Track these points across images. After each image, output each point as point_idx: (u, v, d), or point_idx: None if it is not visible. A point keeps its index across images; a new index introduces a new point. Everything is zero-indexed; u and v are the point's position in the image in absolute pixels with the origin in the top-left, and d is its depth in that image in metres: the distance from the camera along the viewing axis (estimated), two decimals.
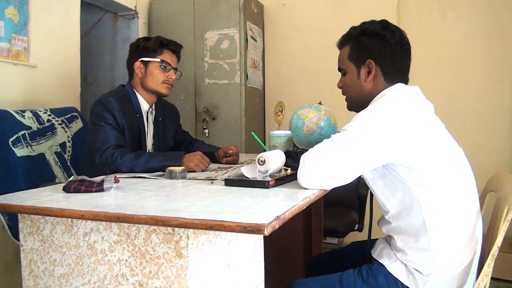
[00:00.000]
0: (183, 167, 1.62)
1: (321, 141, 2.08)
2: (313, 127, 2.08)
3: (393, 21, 3.65)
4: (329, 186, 1.36)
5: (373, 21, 1.54)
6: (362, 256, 1.67)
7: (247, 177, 1.40)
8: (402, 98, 1.42)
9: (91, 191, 1.30)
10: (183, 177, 1.60)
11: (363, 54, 1.52)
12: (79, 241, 1.13)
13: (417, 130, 1.36)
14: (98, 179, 1.38)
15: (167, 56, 2.03)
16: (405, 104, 1.39)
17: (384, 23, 1.52)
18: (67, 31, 2.81)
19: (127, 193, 1.30)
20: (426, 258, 1.37)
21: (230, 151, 2.04)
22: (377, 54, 1.49)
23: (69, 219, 1.13)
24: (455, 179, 1.41)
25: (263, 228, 0.88)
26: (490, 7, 3.47)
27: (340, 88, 1.66)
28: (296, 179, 1.41)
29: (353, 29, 1.56)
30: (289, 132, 1.87)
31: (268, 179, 1.37)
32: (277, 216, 0.95)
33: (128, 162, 1.75)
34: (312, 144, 2.09)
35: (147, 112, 2.07)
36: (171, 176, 1.59)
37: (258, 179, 1.38)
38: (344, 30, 1.60)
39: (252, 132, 1.68)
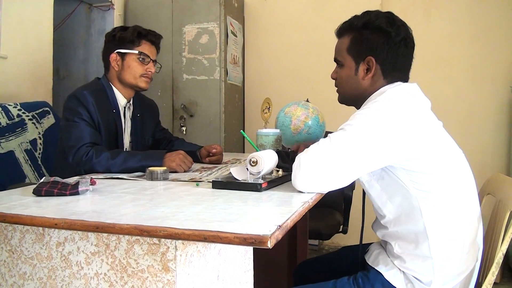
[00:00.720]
0: (164, 168, 1.50)
1: (309, 140, 2.02)
2: (301, 125, 1.99)
3: None
4: (327, 189, 1.27)
5: (378, 13, 1.44)
6: (354, 261, 1.59)
7: (236, 179, 1.30)
8: (403, 97, 1.34)
9: (65, 195, 1.17)
10: (165, 178, 1.48)
11: (364, 49, 1.42)
12: (51, 252, 1.00)
13: (419, 131, 1.29)
14: (72, 180, 1.25)
15: (146, 47, 1.90)
16: (407, 103, 1.32)
17: (390, 17, 1.42)
18: (40, 21, 2.65)
19: (105, 197, 1.18)
20: (426, 266, 1.30)
21: (214, 150, 1.92)
22: (379, 52, 1.40)
23: (41, 227, 1.00)
24: (457, 182, 1.34)
25: (266, 240, 0.78)
26: (474, 5, 3.45)
27: (333, 79, 1.57)
28: (288, 181, 1.31)
29: (356, 18, 1.46)
30: (277, 130, 1.77)
31: (260, 181, 1.27)
32: (279, 226, 0.85)
33: (104, 162, 1.62)
34: (300, 143, 2.01)
35: (124, 108, 1.94)
36: (152, 177, 1.47)
37: (250, 181, 1.27)
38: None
39: (241, 130, 1.58)
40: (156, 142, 2.10)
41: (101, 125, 1.78)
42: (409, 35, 1.43)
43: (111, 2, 3.40)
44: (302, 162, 1.25)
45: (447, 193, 1.31)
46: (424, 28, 3.58)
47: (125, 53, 1.86)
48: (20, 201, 1.11)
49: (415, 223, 1.31)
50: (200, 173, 1.64)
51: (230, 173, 1.32)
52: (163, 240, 0.90)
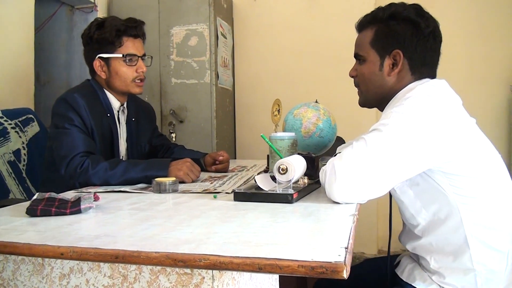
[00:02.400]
0: (173, 178, 1.32)
1: (321, 144, 1.87)
2: (312, 128, 1.84)
3: None
4: (367, 199, 1.12)
5: (404, 4, 1.31)
6: (382, 276, 1.44)
7: (262, 190, 1.13)
8: (438, 94, 1.22)
9: (65, 214, 0.99)
10: (175, 190, 1.30)
11: (391, 42, 1.29)
12: (53, 286, 0.81)
13: (457, 129, 1.17)
14: (70, 196, 1.06)
15: (129, 45, 1.67)
16: (443, 101, 1.20)
17: (418, 8, 1.29)
18: (20, 24, 2.45)
19: (113, 216, 0.99)
20: (468, 280, 1.17)
21: (221, 158, 1.75)
22: (407, 45, 1.27)
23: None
24: (498, 185, 1.22)
25: (341, 269, 0.61)
26: (471, 4, 3.38)
27: (353, 77, 1.43)
28: (315, 189, 1.15)
29: (380, 10, 1.32)
30: (293, 134, 1.61)
31: (291, 191, 1.10)
32: (346, 248, 0.69)
33: (102, 173, 1.43)
34: (311, 147, 1.85)
35: (118, 112, 1.75)
36: (160, 189, 1.29)
37: (279, 192, 1.11)
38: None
39: (261, 134, 1.41)
40: (153, 149, 1.91)
41: (95, 131, 1.59)
42: (438, 28, 1.31)
43: (94, 3, 3.20)
44: (338, 170, 1.09)
45: (489, 197, 1.18)
46: None
47: (108, 58, 1.66)
48: (11, 223, 0.92)
49: (454, 232, 1.18)
50: (210, 183, 1.46)
51: (246, 182, 1.15)
52: (196, 269, 0.73)
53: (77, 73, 3.29)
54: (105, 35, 1.62)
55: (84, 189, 1.36)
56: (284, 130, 1.86)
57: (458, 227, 1.17)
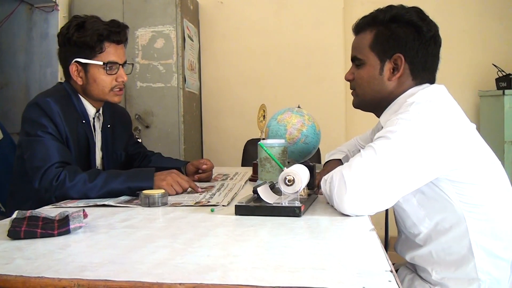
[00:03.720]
0: (162, 190, 1.22)
1: (306, 150, 1.81)
2: (297, 134, 1.78)
3: (338, 24, 3.58)
4: (377, 210, 1.07)
5: (405, 7, 1.28)
6: None
7: (266, 203, 1.05)
8: (441, 100, 1.20)
9: (53, 235, 0.87)
10: (164, 203, 1.20)
11: (392, 45, 1.25)
12: None
13: (463, 136, 1.15)
14: (54, 214, 0.95)
15: (111, 51, 1.53)
16: (448, 106, 1.18)
17: (420, 11, 1.26)
18: None
19: (108, 236, 0.88)
20: None
21: (204, 166, 1.64)
22: (408, 49, 1.23)
23: None
24: (501, 193, 1.20)
25: None
26: (438, 9, 3.42)
27: (349, 81, 1.37)
28: (314, 200, 1.08)
29: (380, 12, 1.28)
30: (282, 141, 1.54)
31: (298, 204, 1.03)
32: (391, 271, 0.62)
33: (81, 185, 1.30)
34: (295, 154, 1.79)
35: (94, 118, 1.61)
36: (149, 202, 1.18)
37: (284, 204, 1.03)
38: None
39: (259, 142, 1.33)
40: (129, 158, 1.78)
41: (70, 139, 1.45)
42: (438, 32, 1.29)
43: (55, 2, 3.01)
44: (348, 180, 1.03)
45: (494, 205, 1.16)
46: None
47: (87, 63, 1.52)
48: None
49: (459, 241, 1.15)
50: (200, 194, 1.36)
51: (237, 194, 1.07)
52: None
53: (36, 75, 3.08)
54: (85, 38, 1.48)
55: (62, 203, 1.23)
56: (267, 137, 1.79)
57: (463, 236, 1.14)
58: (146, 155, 1.83)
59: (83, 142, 1.52)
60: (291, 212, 1.02)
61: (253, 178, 1.66)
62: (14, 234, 0.85)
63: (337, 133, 3.49)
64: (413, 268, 1.31)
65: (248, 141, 3.04)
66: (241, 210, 1.05)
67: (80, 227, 0.90)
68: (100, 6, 3.22)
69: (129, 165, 1.78)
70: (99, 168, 1.62)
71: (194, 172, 1.67)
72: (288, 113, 1.84)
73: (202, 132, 3.79)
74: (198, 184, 1.58)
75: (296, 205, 1.03)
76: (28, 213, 0.94)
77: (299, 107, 1.94)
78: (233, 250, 0.76)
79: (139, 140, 3.18)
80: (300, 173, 1.03)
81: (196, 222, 0.99)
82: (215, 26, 3.73)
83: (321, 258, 0.71)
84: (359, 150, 1.65)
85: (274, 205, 1.04)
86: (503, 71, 2.98)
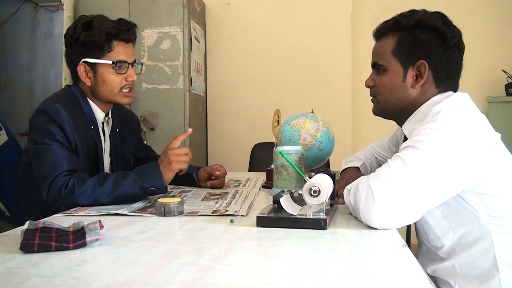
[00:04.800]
0: (178, 199, 1.17)
1: (320, 157, 1.76)
2: (311, 140, 1.74)
3: (346, 27, 3.54)
4: (406, 223, 1.03)
5: (426, 11, 1.23)
6: None
7: (289, 214, 1.00)
8: (468, 109, 1.16)
9: (68, 248, 0.82)
10: (181, 213, 1.15)
11: (415, 52, 1.20)
12: None
13: (491, 146, 1.10)
14: (67, 224, 0.89)
15: (120, 50, 1.48)
16: (475, 116, 1.14)
17: (444, 17, 1.22)
18: None
19: (127, 250, 0.83)
20: None
21: (218, 173, 1.59)
22: (432, 55, 1.19)
23: None
24: None
25: None
26: (448, 13, 3.39)
27: (369, 87, 1.33)
28: (335, 210, 1.02)
29: (403, 16, 1.23)
30: (299, 147, 1.49)
31: (323, 216, 0.98)
32: None
33: (90, 191, 1.25)
34: (309, 161, 1.75)
35: (103, 123, 1.56)
36: (165, 211, 1.13)
37: (309, 216, 0.98)
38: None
39: (280, 150, 1.28)
40: (138, 163, 1.73)
41: (79, 147, 1.39)
42: (461, 38, 1.24)
43: (60, 2, 2.96)
44: (376, 192, 0.98)
45: None
46: None
47: (95, 63, 1.47)
48: (4, 264, 0.74)
49: (483, 255, 1.11)
50: (215, 202, 1.31)
51: (253, 202, 1.02)
52: None
53: (40, 76, 3.03)
54: (93, 37, 1.43)
55: (73, 211, 1.18)
56: (280, 142, 1.74)
57: (489, 250, 1.10)
58: (156, 159, 1.77)
59: (92, 149, 1.47)
60: (316, 224, 0.97)
61: (267, 185, 1.61)
62: (27, 247, 0.80)
63: (344, 137, 3.44)
64: (434, 281, 1.26)
65: (255, 145, 2.99)
66: (263, 222, 1.00)
67: (97, 239, 0.85)
68: (106, 6, 3.17)
69: None
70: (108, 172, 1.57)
71: (207, 178, 1.61)
72: (302, 118, 1.80)
73: (208, 135, 3.75)
74: (211, 191, 1.54)
75: (322, 217, 0.98)
76: (41, 223, 0.88)
77: (312, 112, 1.89)
78: (264, 269, 0.71)
79: (144, 142, 3.16)
80: (325, 184, 0.99)
81: (217, 235, 0.94)
82: (221, 27, 3.68)
83: (361, 280, 0.66)
84: (376, 158, 1.62)
85: (298, 217, 0.99)
86: None
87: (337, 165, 2.03)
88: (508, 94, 2.92)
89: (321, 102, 3.46)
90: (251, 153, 2.94)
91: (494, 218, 1.09)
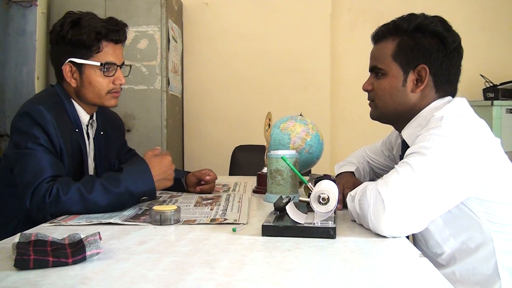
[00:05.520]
0: (175, 207, 1.11)
1: (309, 161, 1.73)
2: (301, 144, 1.71)
3: (325, 30, 3.53)
4: (415, 231, 1.01)
5: (426, 15, 1.22)
6: None
7: (295, 223, 0.96)
8: (470, 114, 1.16)
9: (67, 264, 0.75)
10: (177, 221, 1.09)
11: (416, 56, 1.19)
12: None
13: (493, 153, 1.10)
14: (61, 237, 0.83)
15: (109, 51, 1.40)
16: (477, 122, 1.14)
17: (444, 21, 1.22)
18: None
19: (131, 264, 0.77)
20: None
21: (207, 177, 1.53)
22: (433, 60, 1.19)
23: None
24: None
25: None
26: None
27: (367, 91, 1.31)
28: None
29: (403, 20, 1.22)
30: (293, 151, 1.46)
31: (332, 224, 0.95)
32: None
33: (77, 198, 1.17)
34: (298, 165, 1.72)
35: (87, 126, 1.48)
36: (161, 220, 1.07)
37: (317, 225, 0.95)
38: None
39: (282, 156, 1.24)
40: None
41: (64, 151, 1.31)
42: (461, 43, 1.24)
43: None
44: (386, 199, 0.96)
45: None
46: None
47: (82, 64, 1.39)
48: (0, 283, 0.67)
49: (485, 261, 1.11)
50: (210, 209, 1.26)
51: (244, 208, 0.98)
52: None
53: (11, 74, 2.88)
54: (81, 37, 1.34)
55: (62, 220, 1.10)
56: (269, 146, 1.70)
57: (490, 257, 1.10)
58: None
59: (76, 153, 1.39)
60: (325, 233, 0.94)
61: (258, 190, 1.57)
62: (22, 263, 0.73)
63: None
64: None
65: (236, 147, 2.94)
66: (268, 231, 0.96)
67: (98, 253, 0.79)
68: (81, 3, 3.04)
69: None
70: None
71: (196, 183, 1.56)
72: (292, 122, 1.76)
73: (184, 137, 3.67)
74: (202, 196, 1.49)
75: (330, 225, 0.94)
76: (33, 236, 0.81)
77: (301, 115, 1.87)
78: (285, 283, 0.67)
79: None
80: (334, 191, 0.95)
81: (223, 245, 0.89)
82: (199, 28, 3.62)
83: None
84: (368, 162, 1.60)
85: (305, 225, 0.95)
86: (490, 82, 3.01)
87: (315, 169, 2.01)
88: (486, 98, 2.99)
89: (299, 104, 3.43)
90: (231, 156, 2.89)
91: (496, 225, 1.09)
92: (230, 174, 2.79)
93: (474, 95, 3.15)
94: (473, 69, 3.17)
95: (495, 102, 2.82)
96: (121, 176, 1.24)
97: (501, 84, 3.00)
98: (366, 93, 1.32)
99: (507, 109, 2.80)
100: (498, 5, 3.46)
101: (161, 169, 1.30)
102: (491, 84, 3.00)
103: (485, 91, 3.01)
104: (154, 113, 3.12)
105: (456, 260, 1.14)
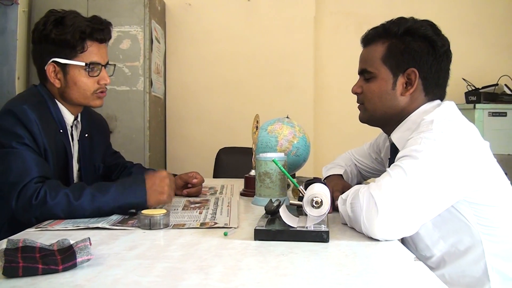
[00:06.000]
0: (164, 211, 1.09)
1: (296, 163, 1.73)
2: (289, 146, 1.71)
3: (309, 32, 3.54)
4: (406, 235, 1.01)
5: (415, 19, 1.24)
6: None
7: (288, 226, 0.96)
8: (459, 118, 1.17)
9: (57, 271, 0.73)
10: (166, 225, 1.08)
11: (406, 59, 1.20)
12: None
13: (482, 157, 1.12)
14: (49, 243, 0.80)
15: (94, 51, 1.38)
16: (467, 126, 1.15)
17: (433, 25, 1.23)
18: None
19: (123, 271, 0.76)
20: None
21: (195, 180, 1.51)
22: (423, 64, 1.20)
23: None
24: None
25: None
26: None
27: (356, 94, 1.31)
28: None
29: (393, 23, 1.22)
30: (282, 154, 1.45)
31: (324, 228, 0.94)
32: None
33: (65, 204, 1.14)
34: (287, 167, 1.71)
35: (72, 127, 1.45)
36: (150, 224, 1.05)
37: (310, 229, 0.94)
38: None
39: (274, 159, 1.23)
40: (107, 170, 1.62)
41: (49, 152, 1.28)
42: (449, 47, 1.25)
43: None
44: (380, 203, 0.96)
45: (509, 226, 1.13)
46: (357, 43, 3.50)
47: (66, 64, 1.36)
48: None
49: (474, 264, 1.12)
50: (199, 212, 1.25)
51: (230, 211, 0.97)
52: None
53: None
54: (65, 36, 1.31)
55: (48, 225, 1.07)
56: (256, 148, 1.69)
57: (479, 259, 1.11)
58: (126, 167, 1.67)
59: (61, 154, 1.36)
60: (318, 237, 0.93)
61: (246, 193, 1.56)
62: (11, 271, 0.70)
63: None
64: None
65: (220, 150, 2.93)
66: (261, 235, 0.95)
67: (88, 259, 0.77)
68: (63, 2, 2.98)
69: (107, 177, 1.63)
70: (75, 181, 1.45)
71: (183, 186, 1.53)
72: (279, 124, 1.76)
73: (166, 139, 3.63)
74: (190, 199, 1.47)
75: (323, 229, 0.94)
76: (21, 242, 0.79)
77: (287, 117, 1.86)
78: None
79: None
80: (327, 194, 0.95)
81: (216, 250, 0.88)
82: (182, 29, 3.59)
83: None
84: (356, 165, 1.61)
85: (298, 229, 0.95)
86: (473, 86, 3.05)
87: (299, 171, 2.00)
88: (468, 101, 3.03)
89: (283, 106, 3.44)
90: (216, 158, 2.87)
91: (485, 227, 1.10)
92: (214, 177, 2.77)
93: (456, 98, 3.18)
94: (456, 73, 3.17)
95: (477, 105, 2.87)
96: (112, 185, 1.22)
97: (483, 87, 3.06)
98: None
99: (489, 112, 2.86)
100: (480, 11, 3.53)
101: (153, 181, 1.24)
102: (473, 88, 3.05)
103: (467, 94, 3.06)
104: (136, 115, 3.08)
105: (445, 263, 1.14)
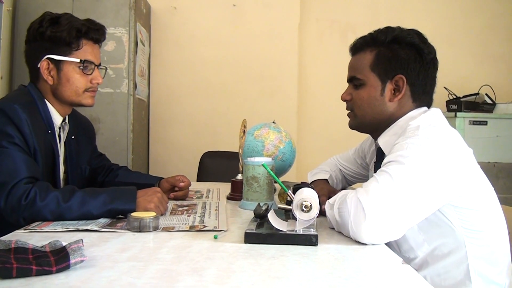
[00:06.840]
0: (153, 213, 1.10)
1: (282, 168, 1.75)
2: (275, 151, 1.73)
3: (293, 40, 3.58)
4: (392, 239, 1.04)
5: (402, 28, 1.27)
6: None
7: (279, 230, 0.97)
8: (444, 124, 1.21)
9: (51, 272, 0.73)
10: (156, 228, 1.08)
11: (394, 66, 1.23)
12: None
13: (467, 162, 1.16)
14: (41, 244, 0.81)
15: (88, 49, 1.40)
16: (452, 132, 1.19)
17: (420, 34, 1.27)
18: None
19: (117, 272, 0.76)
20: None
21: (182, 184, 1.52)
22: (410, 71, 1.23)
23: None
24: (496, 218, 1.22)
25: None
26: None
27: (346, 101, 1.34)
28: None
29: (381, 32, 1.26)
30: (269, 159, 1.47)
31: (313, 232, 0.96)
32: None
33: (54, 205, 1.14)
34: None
35: (60, 128, 1.45)
36: (140, 226, 1.06)
37: (299, 232, 0.96)
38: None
39: (263, 163, 1.24)
40: (93, 172, 1.62)
41: (38, 152, 1.27)
42: (436, 55, 1.30)
43: None
44: (367, 207, 0.98)
45: (491, 230, 1.17)
46: (341, 50, 3.55)
47: (60, 61, 1.37)
48: None
49: (456, 266, 1.15)
50: (188, 215, 1.25)
51: (220, 214, 0.99)
52: None
53: None
54: (61, 33, 1.33)
55: (37, 227, 1.07)
56: (243, 153, 1.71)
57: (462, 262, 1.14)
58: (112, 169, 1.67)
59: (49, 155, 1.35)
60: (307, 241, 0.95)
61: (233, 197, 1.57)
62: (4, 272, 0.70)
63: None
64: None
65: (204, 153, 2.93)
66: (251, 238, 0.97)
67: (82, 261, 0.77)
68: (48, 2, 2.97)
69: (93, 179, 1.62)
70: (61, 183, 1.44)
71: (170, 189, 1.54)
72: (266, 129, 1.78)
73: (149, 142, 3.62)
74: (177, 203, 1.47)
75: (312, 233, 0.96)
76: (13, 243, 0.79)
77: (274, 122, 1.88)
78: None
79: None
80: (316, 199, 0.97)
81: (207, 253, 0.89)
82: (167, 32, 3.59)
83: None
84: (341, 170, 1.64)
85: (288, 233, 0.96)
86: (454, 94, 3.13)
87: (283, 176, 2.03)
88: (449, 110, 3.10)
89: (267, 111, 3.47)
90: (200, 162, 2.87)
91: (469, 231, 1.13)
92: (198, 180, 2.77)
93: (438, 106, 3.14)
94: (437, 81, 3.29)
95: (458, 114, 2.94)
96: (102, 191, 1.23)
97: (464, 96, 3.13)
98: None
99: (469, 120, 2.93)
100: (462, 21, 3.62)
101: (145, 192, 1.26)
102: (455, 97, 3.12)
103: (449, 103, 3.13)
104: (120, 117, 3.07)
105: (428, 264, 1.17)
